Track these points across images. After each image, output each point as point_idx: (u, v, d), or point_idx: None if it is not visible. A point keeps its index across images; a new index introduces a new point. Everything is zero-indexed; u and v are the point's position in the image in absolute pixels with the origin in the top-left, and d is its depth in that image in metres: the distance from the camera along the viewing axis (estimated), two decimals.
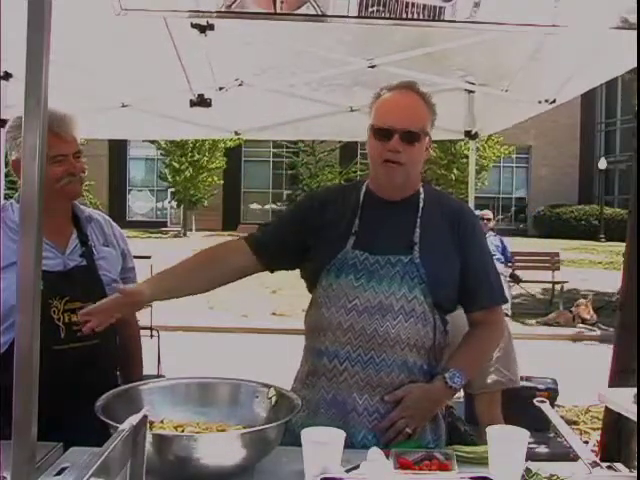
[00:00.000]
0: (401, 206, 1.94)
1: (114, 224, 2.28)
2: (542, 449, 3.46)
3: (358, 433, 1.83)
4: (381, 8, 1.74)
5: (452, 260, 1.90)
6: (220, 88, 3.29)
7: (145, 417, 1.13)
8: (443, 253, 1.90)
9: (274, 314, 10.52)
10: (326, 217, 1.96)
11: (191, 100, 3.16)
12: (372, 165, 1.93)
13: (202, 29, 2.46)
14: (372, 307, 1.84)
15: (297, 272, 2.07)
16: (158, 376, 3.44)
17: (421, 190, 1.97)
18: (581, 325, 10.13)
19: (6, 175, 3.47)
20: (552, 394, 3.62)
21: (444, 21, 1.80)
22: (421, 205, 1.94)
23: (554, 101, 3.51)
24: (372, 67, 3.20)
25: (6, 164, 3.47)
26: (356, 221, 1.92)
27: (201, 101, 3.15)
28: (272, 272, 2.06)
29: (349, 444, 1.72)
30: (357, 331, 1.84)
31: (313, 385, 1.91)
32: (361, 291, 1.85)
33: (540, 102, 3.56)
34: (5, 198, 3.36)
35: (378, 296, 1.84)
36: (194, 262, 1.98)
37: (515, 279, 10.87)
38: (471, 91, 3.77)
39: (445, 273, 1.89)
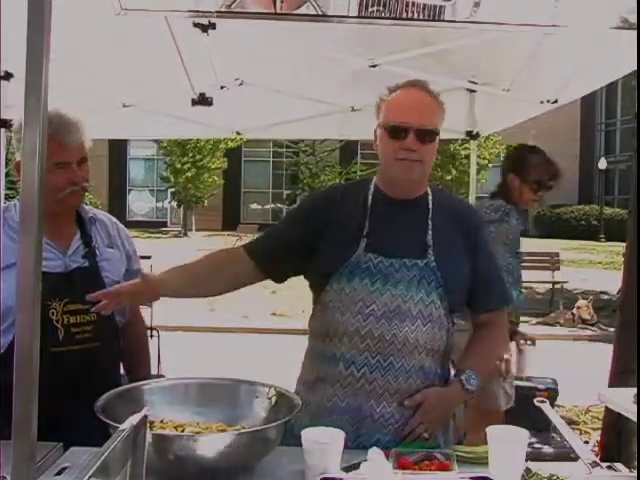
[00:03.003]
0: (411, 207, 1.90)
1: (120, 225, 2.25)
2: (542, 449, 3.46)
3: (371, 437, 1.80)
4: (381, 8, 1.74)
5: (464, 262, 1.88)
6: (222, 87, 3.29)
7: (145, 417, 1.13)
8: (456, 255, 1.88)
9: (274, 314, 10.52)
10: (331, 217, 1.91)
11: (193, 99, 3.15)
12: (385, 163, 1.89)
13: (204, 28, 2.45)
14: (390, 312, 1.80)
15: None
16: (158, 376, 3.43)
17: (429, 191, 1.94)
18: (581, 325, 10.13)
19: (6, 175, 3.47)
20: (552, 394, 3.63)
21: (444, 21, 1.80)
22: (431, 206, 1.90)
23: (556, 101, 3.51)
24: (373, 66, 3.19)
25: (6, 164, 3.48)
26: (366, 222, 1.87)
27: (202, 100, 3.14)
28: (277, 282, 2.00)
29: (362, 447, 1.72)
30: (376, 337, 1.80)
31: (323, 392, 1.87)
32: (378, 295, 1.81)
33: (542, 102, 3.56)
34: (5, 198, 3.36)
35: (395, 300, 1.81)
36: (203, 266, 1.95)
37: None
38: (473, 91, 3.77)
39: (459, 276, 1.87)
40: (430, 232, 1.86)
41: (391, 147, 1.83)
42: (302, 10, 1.75)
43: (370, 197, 1.92)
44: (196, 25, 2.46)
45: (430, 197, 1.93)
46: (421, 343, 1.82)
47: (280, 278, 2.00)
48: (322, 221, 1.91)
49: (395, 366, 1.81)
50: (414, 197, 1.91)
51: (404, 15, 1.76)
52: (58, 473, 1.56)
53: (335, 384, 1.84)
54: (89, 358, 1.99)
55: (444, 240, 1.87)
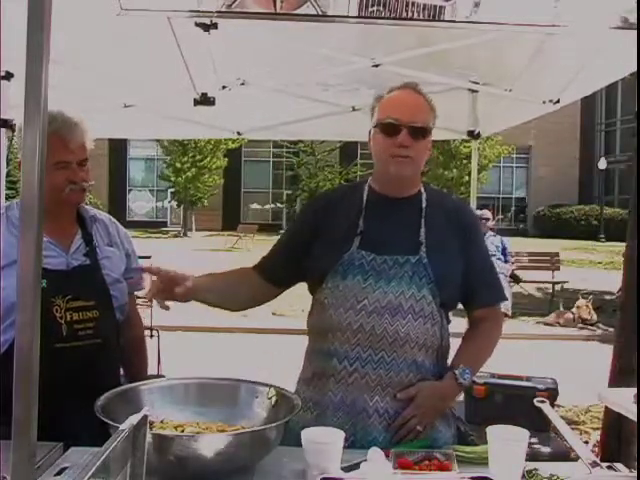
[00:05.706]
0: (404, 205, 1.95)
1: (119, 225, 2.28)
2: (542, 449, 3.45)
3: (369, 434, 1.82)
4: (381, 8, 1.75)
5: (457, 259, 1.92)
6: (223, 87, 3.29)
7: (145, 417, 1.12)
8: (449, 252, 1.91)
9: (274, 314, 10.52)
10: (329, 218, 1.97)
11: (195, 99, 3.14)
12: (379, 161, 1.94)
13: (206, 28, 2.45)
14: (381, 307, 1.84)
15: None
16: (158, 376, 3.44)
17: (422, 191, 1.98)
18: (581, 325, 10.13)
19: (6, 175, 3.47)
20: (552, 394, 3.61)
21: (444, 21, 1.81)
22: (424, 205, 1.95)
23: (558, 101, 3.51)
24: (375, 66, 3.19)
25: (7, 164, 3.48)
26: (361, 221, 1.92)
27: (205, 100, 3.14)
28: (288, 288, 2.08)
29: (359, 445, 1.74)
30: (367, 332, 1.84)
31: (320, 387, 1.90)
32: (370, 291, 1.85)
33: (544, 102, 3.56)
34: (5, 198, 3.36)
35: (387, 296, 1.85)
36: (229, 280, 2.05)
37: (515, 279, 10.86)
38: (474, 91, 3.77)
39: (452, 272, 1.90)
40: (423, 229, 1.90)
41: (384, 144, 1.88)
42: (302, 10, 1.76)
43: (365, 197, 1.98)
44: (198, 25, 2.46)
45: (424, 196, 1.97)
46: (412, 338, 1.85)
47: (290, 285, 2.08)
48: (319, 223, 1.98)
49: (386, 360, 1.84)
50: (407, 195, 1.96)
51: (404, 15, 1.77)
52: (58, 473, 1.56)
53: (329, 379, 1.88)
54: (91, 354, 2.01)
55: (438, 238, 1.91)
